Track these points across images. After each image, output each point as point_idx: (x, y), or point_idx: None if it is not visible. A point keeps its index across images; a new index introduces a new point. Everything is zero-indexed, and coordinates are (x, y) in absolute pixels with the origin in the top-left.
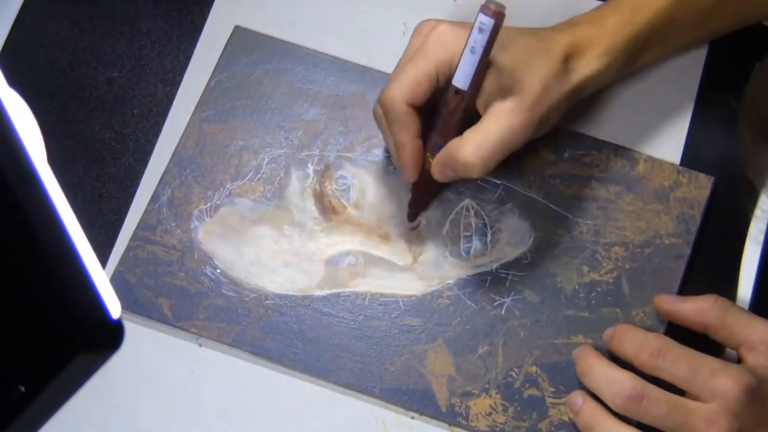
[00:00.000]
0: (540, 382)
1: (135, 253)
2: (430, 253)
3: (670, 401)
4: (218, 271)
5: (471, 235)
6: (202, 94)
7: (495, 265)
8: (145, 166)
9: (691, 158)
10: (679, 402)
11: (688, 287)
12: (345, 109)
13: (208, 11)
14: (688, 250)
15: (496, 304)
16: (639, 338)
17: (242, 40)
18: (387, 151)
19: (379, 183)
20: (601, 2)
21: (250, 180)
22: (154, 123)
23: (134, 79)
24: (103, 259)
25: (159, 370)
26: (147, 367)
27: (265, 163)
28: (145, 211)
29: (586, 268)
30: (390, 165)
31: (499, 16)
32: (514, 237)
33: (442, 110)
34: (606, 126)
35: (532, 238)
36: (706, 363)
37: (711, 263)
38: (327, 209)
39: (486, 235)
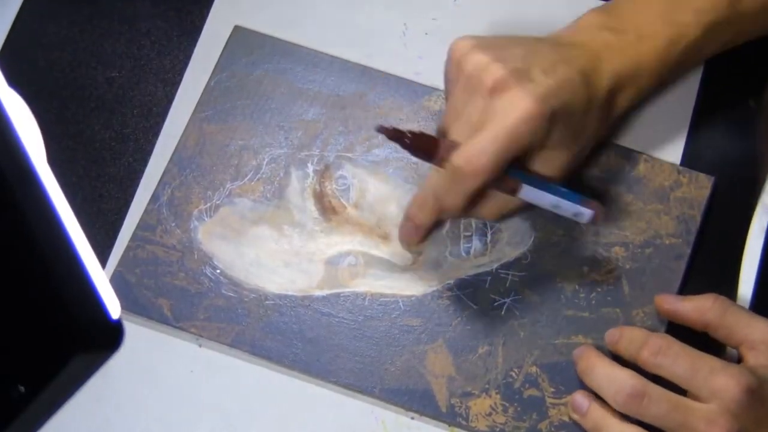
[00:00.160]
0: (540, 383)
1: (135, 253)
2: (430, 253)
3: (670, 400)
4: (218, 271)
5: (471, 235)
6: (202, 94)
7: (495, 265)
8: (144, 166)
9: (691, 158)
10: (680, 401)
11: (688, 287)
12: (345, 109)
13: (208, 11)
14: (688, 250)
15: (496, 304)
16: (640, 336)
17: (242, 40)
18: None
19: (379, 183)
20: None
21: (249, 180)
22: (154, 123)
23: (134, 79)
24: (103, 260)
25: (159, 371)
26: (147, 368)
27: (264, 163)
28: (145, 211)
29: (586, 269)
30: (389, 165)
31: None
32: (514, 237)
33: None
34: None
35: (532, 238)
36: (707, 362)
37: (711, 263)
38: (327, 209)
39: (486, 235)
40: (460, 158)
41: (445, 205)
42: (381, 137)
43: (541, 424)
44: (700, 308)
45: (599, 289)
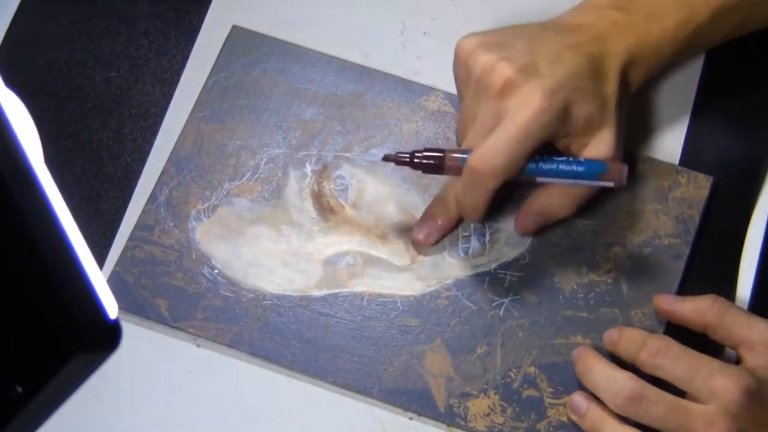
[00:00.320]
0: (538, 383)
1: (132, 254)
2: (429, 253)
3: (669, 402)
4: (216, 271)
5: (469, 235)
6: (200, 94)
7: (493, 266)
8: (142, 166)
9: (690, 158)
10: (679, 403)
11: (687, 287)
12: (343, 109)
13: (206, 11)
14: (687, 250)
15: (494, 304)
16: (639, 337)
17: (240, 40)
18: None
19: (377, 183)
20: None
21: (248, 180)
22: (152, 123)
23: (132, 79)
24: (101, 260)
25: (156, 371)
26: (144, 368)
27: (263, 163)
28: (143, 211)
29: (584, 269)
30: (387, 165)
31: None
32: (512, 237)
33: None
34: None
35: (530, 238)
36: (706, 363)
37: (710, 263)
38: (325, 209)
39: (484, 235)
40: (477, 160)
41: (466, 208)
42: (379, 137)
43: (539, 425)
44: (699, 309)
45: (598, 289)
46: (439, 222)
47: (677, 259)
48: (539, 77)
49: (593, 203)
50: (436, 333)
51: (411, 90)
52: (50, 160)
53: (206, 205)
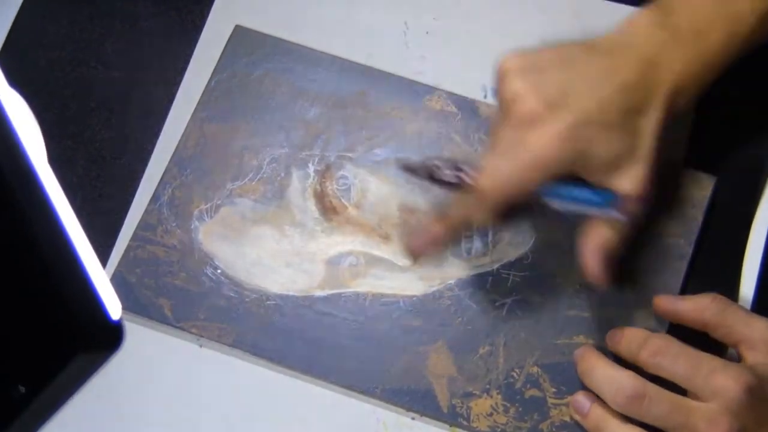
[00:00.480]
0: (541, 383)
1: (135, 254)
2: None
3: (671, 400)
4: (219, 271)
5: (472, 235)
6: (203, 94)
7: (496, 266)
8: (145, 165)
9: (693, 158)
10: (681, 401)
11: (689, 287)
12: (346, 109)
13: (209, 11)
14: (689, 250)
15: (497, 304)
16: (640, 337)
17: (243, 40)
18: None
19: (380, 183)
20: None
21: (250, 180)
22: (154, 122)
23: (134, 79)
24: (104, 260)
25: (159, 371)
26: (147, 368)
27: (265, 163)
28: (146, 211)
29: None
30: (390, 165)
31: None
32: (515, 237)
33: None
34: None
35: (533, 239)
36: (707, 361)
37: (713, 263)
38: (328, 209)
39: (487, 235)
40: (481, 180)
41: (472, 222)
42: (382, 137)
43: (542, 425)
44: (698, 308)
45: (600, 289)
46: (433, 235)
47: (680, 259)
48: (565, 112)
49: None
50: (438, 333)
51: (414, 90)
52: (53, 160)
53: (209, 205)
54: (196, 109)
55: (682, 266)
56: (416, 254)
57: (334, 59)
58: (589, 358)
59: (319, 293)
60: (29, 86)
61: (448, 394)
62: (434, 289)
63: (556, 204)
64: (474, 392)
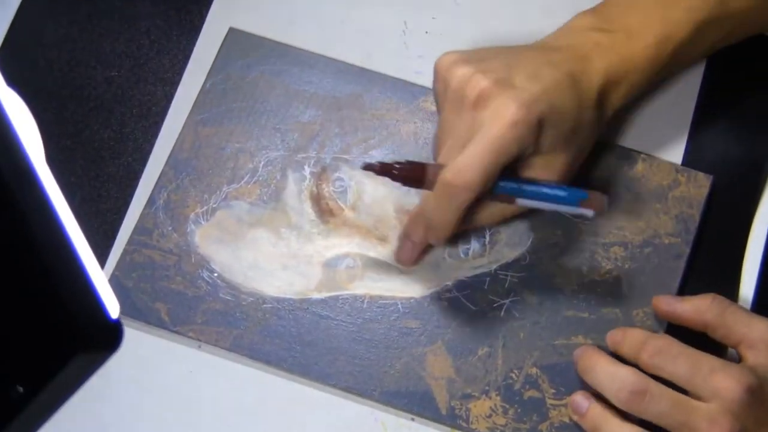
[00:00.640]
0: (540, 384)
1: (131, 258)
2: (429, 255)
3: (672, 398)
4: (215, 274)
5: (469, 236)
6: (198, 97)
7: (494, 267)
8: (143, 165)
9: (692, 158)
10: (682, 399)
11: (688, 287)
12: (341, 111)
13: (207, 10)
14: (687, 250)
15: (495, 305)
16: (640, 337)
17: (237, 42)
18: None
19: (376, 185)
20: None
21: (246, 183)
22: (153, 122)
23: (133, 79)
24: (102, 259)
25: (157, 375)
26: (145, 371)
27: (261, 165)
28: (141, 215)
29: (585, 269)
30: None
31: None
32: (512, 238)
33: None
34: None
35: (530, 239)
36: (707, 362)
37: (712, 263)
38: (324, 211)
39: (484, 236)
40: (448, 174)
41: (434, 223)
42: (377, 138)
43: (541, 426)
44: (698, 309)
45: (599, 290)
46: (415, 240)
47: (678, 258)
48: (515, 89)
49: None
50: (436, 335)
51: (409, 91)
52: (51, 160)
53: (205, 208)
54: (191, 112)
55: (680, 265)
56: (406, 266)
57: (329, 61)
58: (590, 356)
59: (316, 296)
60: (28, 86)
61: (446, 396)
62: (432, 290)
63: (526, 203)
64: (473, 394)
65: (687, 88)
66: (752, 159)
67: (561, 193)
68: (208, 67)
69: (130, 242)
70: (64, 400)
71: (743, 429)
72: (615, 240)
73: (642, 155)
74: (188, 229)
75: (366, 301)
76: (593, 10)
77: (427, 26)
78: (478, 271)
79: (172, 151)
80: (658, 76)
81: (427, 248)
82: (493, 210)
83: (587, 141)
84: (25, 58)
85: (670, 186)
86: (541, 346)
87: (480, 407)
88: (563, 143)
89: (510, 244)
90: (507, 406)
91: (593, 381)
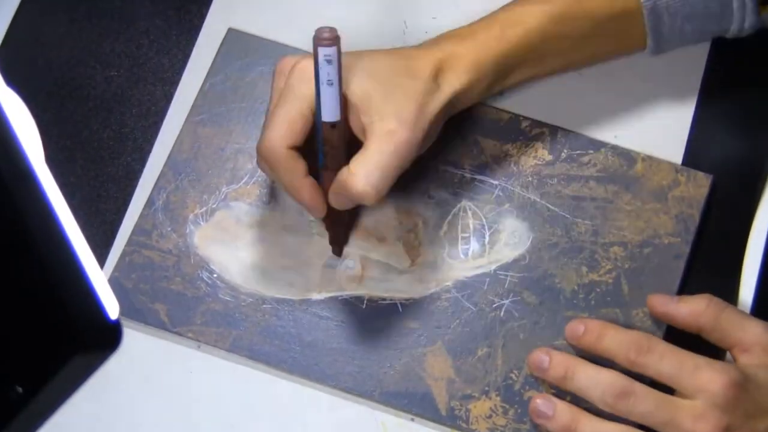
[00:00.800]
0: (540, 384)
1: (131, 259)
2: (428, 255)
3: (657, 397)
4: (215, 275)
5: (469, 237)
6: (196, 98)
7: (493, 267)
8: (143, 165)
9: (693, 158)
10: (666, 398)
11: (688, 287)
12: None
13: (207, 10)
14: (687, 250)
15: (495, 305)
16: (623, 336)
17: (236, 43)
18: None
19: None
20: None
21: (245, 183)
22: (153, 122)
23: (133, 78)
24: (102, 259)
25: (156, 375)
26: (144, 372)
27: None
28: (140, 215)
29: (585, 269)
30: None
31: (336, 40)
32: (512, 238)
33: (325, 147)
34: (607, 126)
35: (530, 239)
36: (691, 359)
37: (712, 263)
38: None
39: (484, 237)
40: (257, 146)
41: (291, 192)
42: None
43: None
44: (693, 312)
45: (598, 290)
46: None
47: (677, 258)
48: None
49: (592, 203)
50: (436, 335)
51: None
52: (51, 160)
53: (204, 209)
54: (190, 112)
55: (680, 265)
56: (315, 210)
57: None
58: (562, 363)
59: (315, 296)
60: (27, 86)
61: (446, 397)
62: (431, 291)
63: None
64: (473, 394)
65: (687, 88)
66: (753, 159)
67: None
68: (208, 67)
69: (129, 243)
70: (64, 400)
71: (729, 424)
72: (615, 240)
73: (642, 155)
74: (187, 230)
75: (365, 301)
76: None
77: (427, 26)
78: (478, 272)
79: (171, 152)
80: (516, 61)
81: (345, 230)
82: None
83: (426, 105)
84: (24, 57)
85: (669, 186)
86: (541, 347)
87: (480, 408)
88: (399, 100)
89: (510, 245)
90: (507, 407)
91: (575, 386)
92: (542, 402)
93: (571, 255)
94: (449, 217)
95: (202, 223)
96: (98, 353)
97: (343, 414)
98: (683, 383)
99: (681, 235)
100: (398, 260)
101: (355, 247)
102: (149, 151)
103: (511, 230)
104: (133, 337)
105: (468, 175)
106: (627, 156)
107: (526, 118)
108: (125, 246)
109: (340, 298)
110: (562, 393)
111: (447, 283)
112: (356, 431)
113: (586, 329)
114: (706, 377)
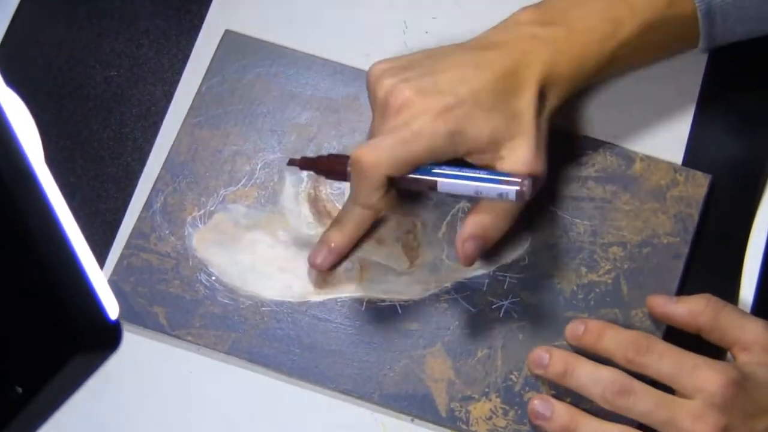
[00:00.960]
0: (540, 385)
1: (129, 262)
2: (427, 256)
3: (656, 396)
4: (213, 278)
5: None
6: (194, 99)
7: (492, 268)
8: (143, 165)
9: (693, 157)
10: (666, 397)
11: (687, 287)
12: (338, 113)
13: (206, 10)
14: (686, 250)
15: (494, 307)
16: (623, 335)
17: (233, 45)
18: None
19: None
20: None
21: (243, 185)
22: (152, 123)
23: (132, 79)
24: (101, 259)
25: (155, 377)
26: (143, 374)
27: (258, 168)
28: (138, 218)
29: (584, 269)
30: None
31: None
32: (511, 239)
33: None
34: (607, 126)
35: (529, 240)
36: (690, 359)
37: (712, 262)
38: (322, 214)
39: None
40: (358, 151)
41: (359, 201)
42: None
43: None
44: (692, 312)
45: (597, 290)
46: (333, 245)
47: (676, 258)
48: (438, 96)
49: (591, 203)
50: (436, 337)
51: None
52: (51, 160)
53: (202, 211)
54: (187, 114)
55: (679, 265)
56: (319, 269)
57: (325, 63)
58: (562, 359)
59: (314, 299)
60: (27, 86)
61: (446, 398)
62: (431, 292)
63: (449, 185)
64: (473, 396)
65: (687, 88)
66: (753, 159)
67: (483, 173)
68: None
69: (127, 246)
70: (63, 400)
71: (728, 423)
72: (613, 240)
73: (640, 155)
74: (186, 233)
75: (365, 303)
76: (536, 5)
77: (427, 26)
78: (477, 273)
79: (169, 154)
80: (604, 73)
81: (340, 255)
82: (494, 218)
83: (539, 132)
84: (24, 57)
85: (668, 185)
86: (542, 346)
87: (480, 409)
88: (507, 136)
89: (509, 245)
90: (507, 408)
91: (574, 383)
92: (540, 403)
93: (570, 255)
94: (448, 218)
95: (200, 225)
96: (98, 353)
97: (342, 416)
98: (682, 383)
99: (680, 235)
100: (397, 262)
101: (354, 249)
102: (149, 151)
103: (510, 231)
104: (132, 340)
105: None
106: (625, 156)
107: None
108: (123, 249)
109: (339, 300)
110: (562, 394)
111: (446, 285)
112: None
113: (586, 329)
114: (704, 377)
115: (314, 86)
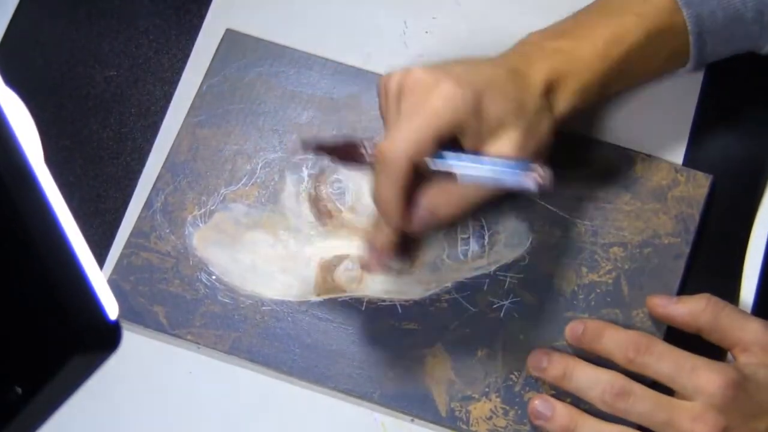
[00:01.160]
0: (540, 385)
1: (129, 261)
2: (428, 256)
3: (655, 398)
4: (213, 277)
5: (468, 238)
6: (194, 99)
7: (493, 268)
8: (143, 165)
9: (693, 158)
10: (665, 399)
11: (688, 287)
12: (339, 112)
13: (206, 10)
14: (687, 250)
15: (494, 306)
16: (622, 335)
17: (234, 44)
18: None
19: None
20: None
21: (244, 185)
22: (152, 122)
23: (132, 78)
24: (101, 260)
25: (156, 377)
26: (143, 373)
27: (259, 167)
28: (139, 217)
29: (584, 269)
30: None
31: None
32: (511, 239)
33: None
34: (607, 126)
35: (529, 240)
36: (689, 359)
37: (712, 263)
38: (322, 213)
39: (483, 238)
40: (381, 144)
41: (379, 201)
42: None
43: None
44: (692, 312)
45: (598, 290)
46: (378, 246)
47: (677, 258)
48: (452, 73)
49: (591, 203)
50: (436, 337)
51: None
52: (50, 160)
53: (202, 210)
54: (188, 113)
55: (680, 265)
56: (375, 273)
57: (326, 62)
58: (560, 362)
59: (315, 298)
60: (26, 86)
61: (446, 398)
62: (431, 292)
63: (468, 171)
64: (473, 396)
65: (688, 88)
66: (753, 159)
67: (501, 161)
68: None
69: (127, 245)
70: (63, 401)
71: (728, 424)
72: (614, 240)
73: (641, 155)
74: (186, 232)
75: (365, 303)
76: (544, 29)
77: (427, 26)
78: (478, 273)
79: (169, 153)
80: (612, 81)
81: (388, 254)
82: (449, 197)
83: (537, 124)
84: (23, 57)
85: (669, 186)
86: (541, 348)
87: (480, 409)
88: (512, 118)
89: (509, 245)
90: (507, 408)
91: (573, 386)
92: (540, 403)
93: (570, 255)
94: None
95: (200, 224)
96: (98, 353)
97: (342, 416)
98: (681, 383)
99: (681, 235)
100: (397, 261)
101: (354, 249)
102: (149, 151)
103: (510, 231)
104: (132, 339)
105: None
106: (626, 156)
107: None
108: (123, 248)
109: (339, 299)
110: (562, 394)
111: (446, 284)
112: (355, 431)
113: (586, 329)
114: (704, 378)
115: (315, 86)
